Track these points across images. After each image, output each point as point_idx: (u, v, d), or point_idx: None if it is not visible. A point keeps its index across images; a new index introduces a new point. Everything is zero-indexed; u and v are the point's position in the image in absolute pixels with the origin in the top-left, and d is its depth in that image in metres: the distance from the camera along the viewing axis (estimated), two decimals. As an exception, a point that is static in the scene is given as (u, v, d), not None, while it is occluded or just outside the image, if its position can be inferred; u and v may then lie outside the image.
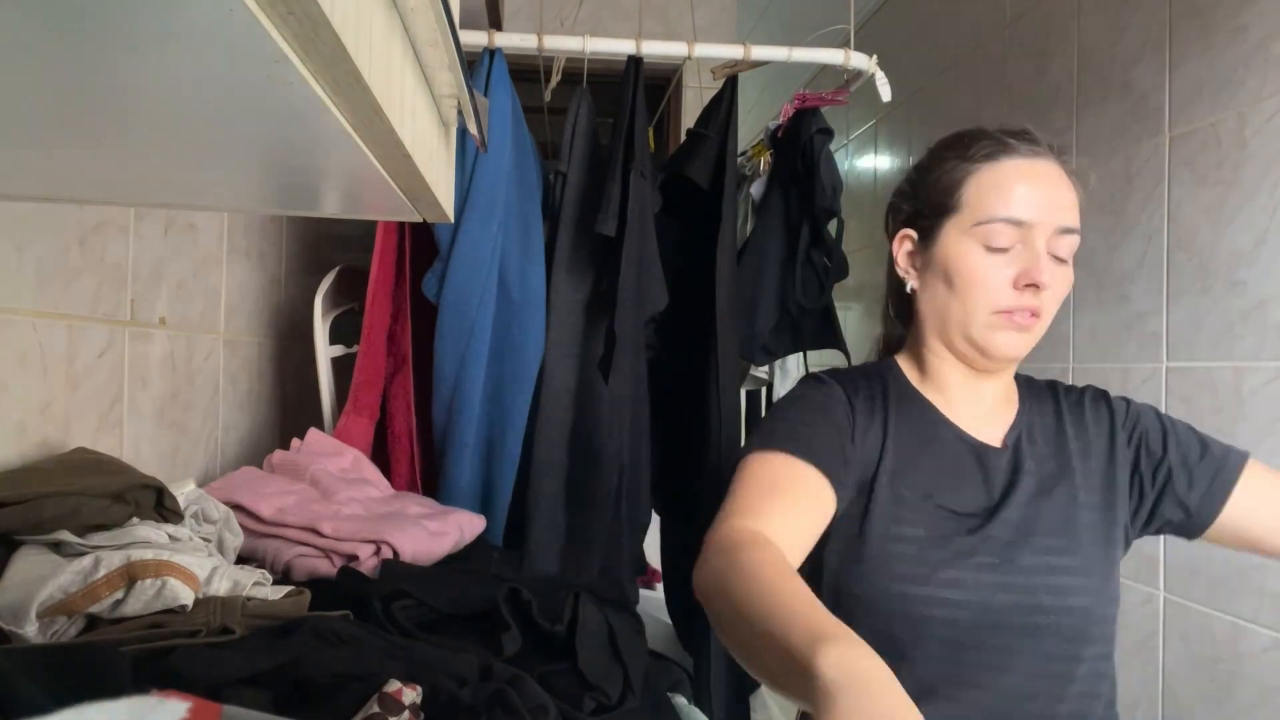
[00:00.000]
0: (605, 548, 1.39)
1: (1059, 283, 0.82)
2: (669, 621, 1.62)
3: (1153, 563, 1.23)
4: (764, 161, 1.69)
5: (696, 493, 1.48)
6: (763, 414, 1.92)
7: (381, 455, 1.42)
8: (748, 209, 1.71)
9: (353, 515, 0.98)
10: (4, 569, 0.62)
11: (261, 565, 0.90)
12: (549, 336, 1.40)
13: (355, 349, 1.42)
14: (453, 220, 1.08)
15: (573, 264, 1.43)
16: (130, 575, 0.62)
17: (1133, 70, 1.31)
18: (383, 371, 1.44)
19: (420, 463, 1.43)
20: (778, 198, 1.54)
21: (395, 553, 0.91)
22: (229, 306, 1.32)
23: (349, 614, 0.72)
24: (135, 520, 0.70)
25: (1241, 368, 1.10)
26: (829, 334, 1.54)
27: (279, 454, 1.14)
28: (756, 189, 1.64)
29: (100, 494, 0.68)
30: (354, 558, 0.90)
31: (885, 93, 1.46)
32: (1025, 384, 0.93)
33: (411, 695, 0.56)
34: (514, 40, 1.36)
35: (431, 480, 1.42)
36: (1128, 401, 0.90)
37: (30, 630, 0.59)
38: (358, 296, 1.47)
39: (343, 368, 1.51)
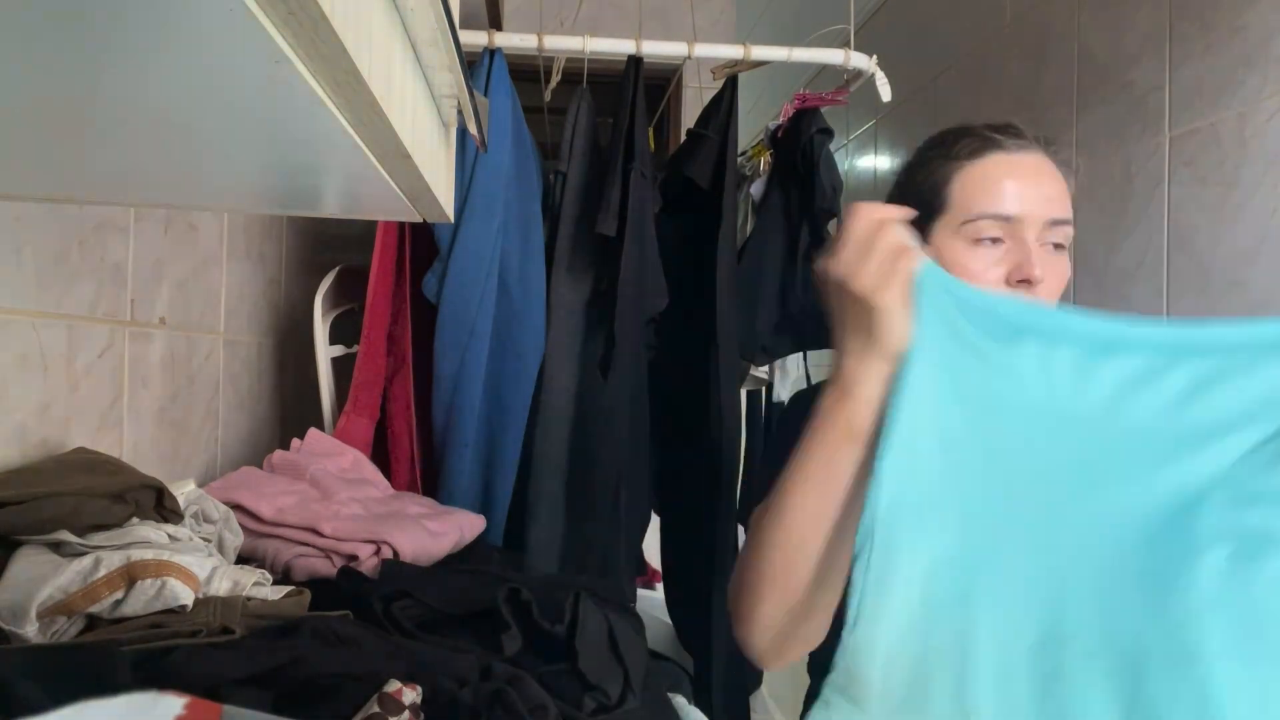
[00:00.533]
0: (605, 547, 1.39)
1: (1054, 275, 0.81)
2: (669, 621, 1.62)
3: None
4: (764, 161, 1.69)
5: (696, 493, 1.48)
6: (763, 414, 1.92)
7: (381, 455, 1.42)
8: (748, 209, 1.71)
9: (353, 515, 0.98)
10: (4, 569, 0.62)
11: (261, 565, 0.90)
12: (549, 336, 1.40)
13: (355, 349, 1.42)
14: (453, 220, 1.08)
15: (573, 264, 1.43)
16: (130, 575, 0.62)
17: (1133, 70, 1.31)
18: (383, 371, 1.44)
19: (420, 463, 1.43)
20: (778, 198, 1.54)
21: (395, 553, 0.91)
22: (229, 306, 1.32)
23: (349, 614, 0.72)
24: (135, 520, 0.70)
25: (1241, 368, 1.10)
26: (829, 334, 1.54)
27: (279, 454, 1.14)
28: (756, 189, 1.64)
29: (100, 494, 0.68)
30: (354, 558, 0.90)
31: (885, 93, 1.46)
32: None
33: (411, 695, 0.56)
34: (514, 40, 1.36)
35: (431, 480, 1.42)
36: None
37: (30, 630, 0.59)
38: (358, 296, 1.47)
39: (343, 368, 1.51)
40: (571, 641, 0.73)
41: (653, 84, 1.59)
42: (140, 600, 0.62)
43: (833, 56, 1.44)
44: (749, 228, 1.65)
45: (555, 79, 1.50)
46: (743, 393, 1.74)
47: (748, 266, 1.54)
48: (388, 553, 0.91)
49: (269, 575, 0.73)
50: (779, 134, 1.55)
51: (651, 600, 1.84)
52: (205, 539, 0.80)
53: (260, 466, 1.13)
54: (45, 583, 0.60)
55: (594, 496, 1.39)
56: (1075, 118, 1.45)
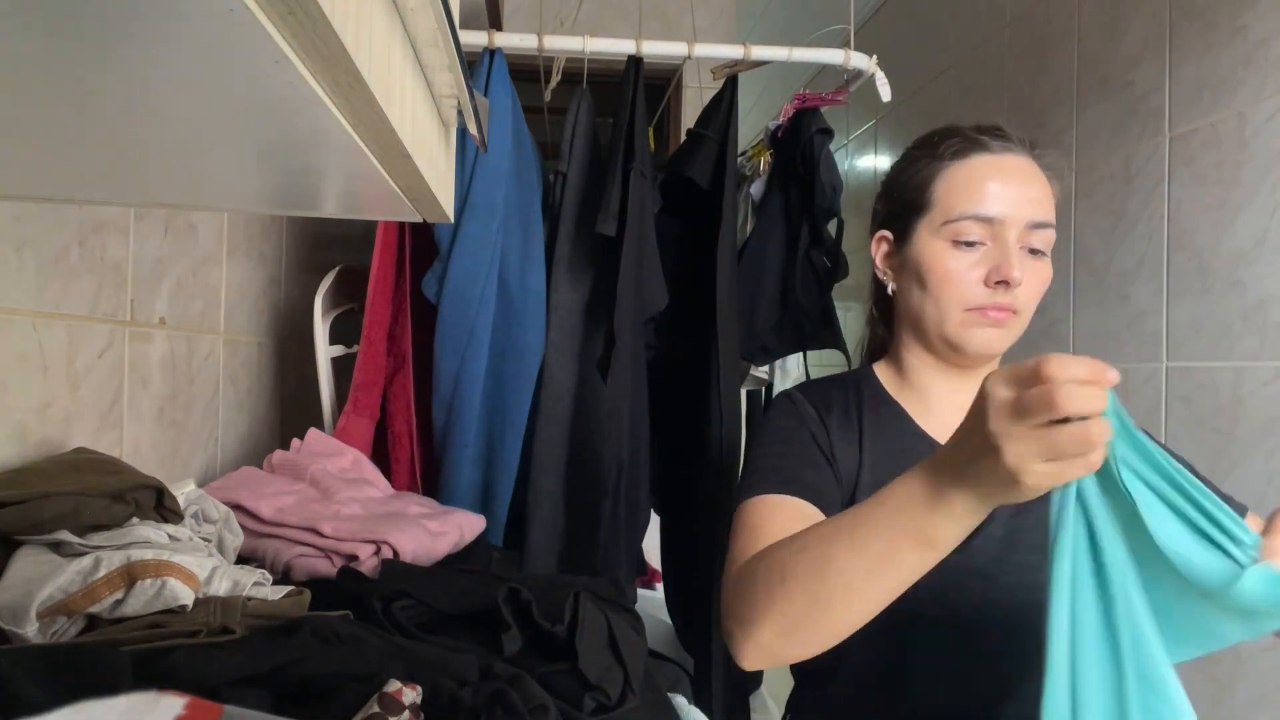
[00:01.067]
0: (605, 548, 1.39)
1: (1033, 278, 0.81)
2: (669, 621, 1.62)
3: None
4: (764, 161, 1.69)
5: (696, 492, 1.48)
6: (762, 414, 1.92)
7: (381, 455, 1.42)
8: (748, 209, 1.71)
9: (353, 515, 0.98)
10: (4, 569, 0.62)
11: (261, 565, 0.90)
12: (549, 336, 1.40)
13: (355, 349, 1.42)
14: (453, 220, 1.08)
15: (573, 264, 1.43)
16: (130, 575, 0.62)
17: (1133, 70, 1.31)
18: (383, 371, 1.44)
19: (420, 463, 1.43)
20: (778, 198, 1.54)
21: (395, 553, 0.91)
22: (229, 306, 1.32)
23: (349, 614, 0.72)
24: (135, 520, 0.70)
25: (1241, 368, 1.10)
26: (829, 334, 1.54)
27: (279, 454, 1.14)
28: (756, 189, 1.64)
29: (100, 494, 0.68)
30: (354, 558, 0.90)
31: (885, 93, 1.46)
32: None
33: (411, 695, 0.56)
34: (514, 40, 1.36)
35: (431, 480, 1.42)
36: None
37: (30, 630, 0.59)
38: (358, 296, 1.47)
39: (343, 368, 1.51)
40: (571, 641, 0.73)
41: (653, 84, 1.59)
42: (140, 600, 0.62)
43: (833, 56, 1.44)
44: (749, 228, 1.65)
45: (555, 79, 1.50)
46: (743, 393, 1.74)
47: (748, 266, 1.54)
48: (388, 553, 0.91)
49: (269, 575, 0.73)
50: (779, 134, 1.55)
51: (651, 600, 1.85)
52: (205, 539, 0.80)
53: (260, 466, 1.13)
54: (45, 583, 0.60)
55: (594, 497, 1.39)
56: (1075, 118, 1.45)
